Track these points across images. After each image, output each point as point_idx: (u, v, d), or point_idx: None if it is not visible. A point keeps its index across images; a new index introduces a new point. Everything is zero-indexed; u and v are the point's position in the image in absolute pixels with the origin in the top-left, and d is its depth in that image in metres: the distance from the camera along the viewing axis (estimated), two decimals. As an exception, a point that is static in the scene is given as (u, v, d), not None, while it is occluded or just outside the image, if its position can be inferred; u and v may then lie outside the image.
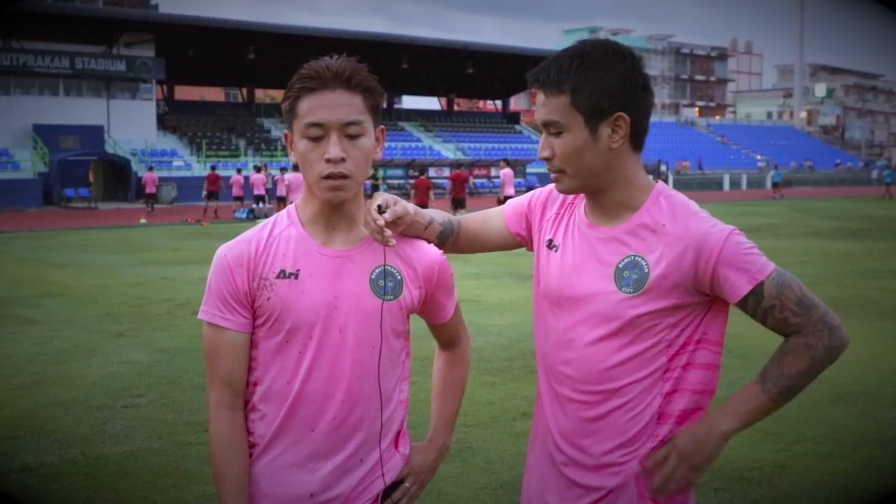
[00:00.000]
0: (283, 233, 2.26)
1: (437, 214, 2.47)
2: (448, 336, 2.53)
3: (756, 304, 2.13)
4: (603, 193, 2.23)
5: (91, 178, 43.68)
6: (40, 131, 44.85)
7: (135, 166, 45.20)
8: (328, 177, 2.15)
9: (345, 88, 2.16)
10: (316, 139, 2.16)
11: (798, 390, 2.16)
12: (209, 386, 2.28)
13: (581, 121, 2.15)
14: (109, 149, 46.73)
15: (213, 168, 38.10)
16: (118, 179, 45.99)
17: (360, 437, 2.27)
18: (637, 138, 2.22)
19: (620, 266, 2.19)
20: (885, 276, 15.24)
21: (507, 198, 30.52)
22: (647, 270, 2.15)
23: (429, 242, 2.39)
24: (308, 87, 2.16)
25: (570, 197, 2.39)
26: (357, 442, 2.26)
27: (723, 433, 2.15)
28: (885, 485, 5.46)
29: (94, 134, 46.42)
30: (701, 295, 2.16)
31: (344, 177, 2.16)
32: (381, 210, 2.23)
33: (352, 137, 2.17)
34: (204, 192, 35.14)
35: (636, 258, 2.18)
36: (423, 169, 37.35)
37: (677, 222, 2.17)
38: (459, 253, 2.56)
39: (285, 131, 2.28)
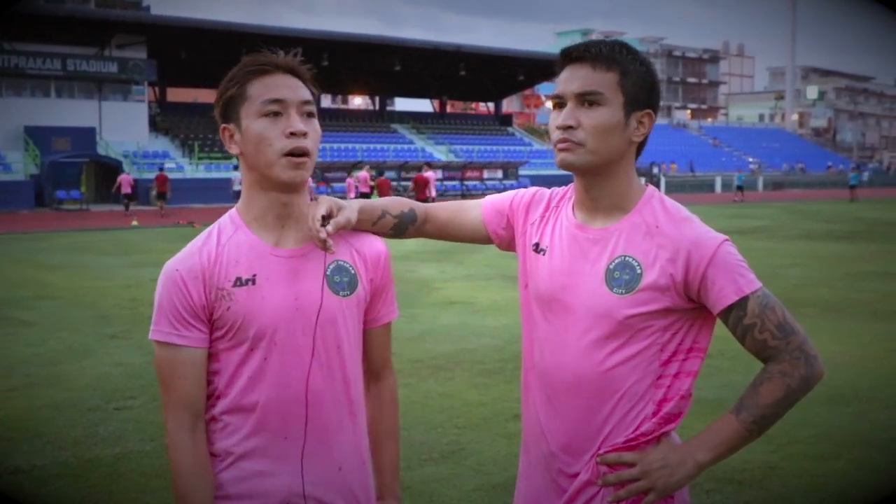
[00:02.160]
0: (231, 239, 2.21)
1: (392, 206, 2.43)
2: (377, 355, 2.42)
3: (738, 319, 2.11)
4: (601, 185, 2.22)
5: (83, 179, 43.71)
6: (32, 133, 44.70)
7: (127, 168, 45.04)
8: (291, 153, 2.13)
9: (293, 76, 2.19)
10: (276, 118, 2.15)
11: (773, 420, 2.15)
12: (165, 411, 2.19)
13: (621, 102, 2.16)
14: (101, 150, 46.58)
15: (161, 169, 39.39)
16: (110, 181, 45.85)
17: (335, 443, 2.24)
18: (643, 143, 2.25)
19: (611, 267, 2.18)
20: (877, 278, 15.29)
21: (430, 199, 31.09)
22: (639, 272, 2.15)
23: (383, 235, 2.39)
24: (259, 71, 2.17)
25: (556, 199, 2.39)
26: (331, 448, 2.23)
27: (696, 464, 2.14)
28: (878, 486, 5.47)
29: (86, 136, 46.25)
30: (690, 301, 2.15)
31: (306, 154, 2.15)
32: (325, 221, 2.20)
33: (309, 116, 2.19)
34: (154, 192, 35.76)
35: (627, 259, 2.17)
36: (381, 170, 38.99)
37: (671, 225, 2.17)
38: (426, 237, 2.53)
39: (223, 125, 2.23)
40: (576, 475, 2.24)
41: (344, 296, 2.24)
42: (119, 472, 5.74)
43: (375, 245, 2.35)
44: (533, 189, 2.47)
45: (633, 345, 2.16)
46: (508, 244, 2.47)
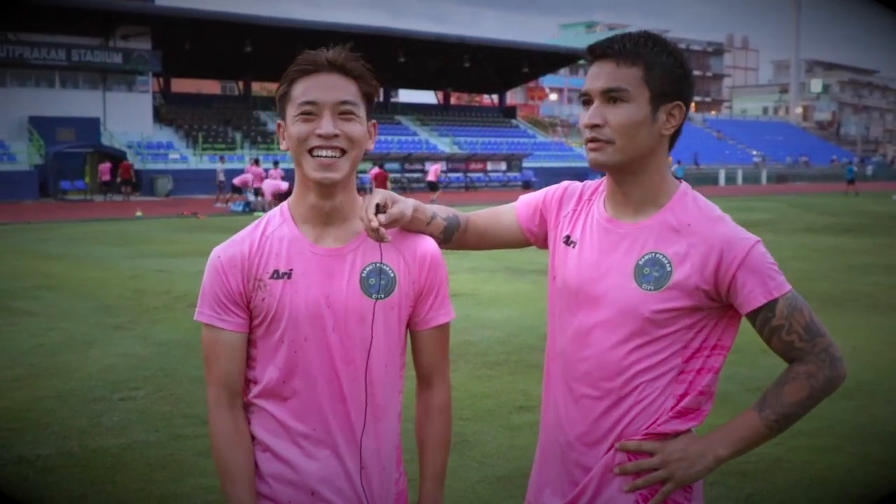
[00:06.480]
0: (275, 232, 2.26)
1: (440, 210, 2.45)
2: (426, 360, 2.40)
3: (766, 320, 2.12)
4: (633, 180, 2.21)
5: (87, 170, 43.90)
6: (36, 123, 44.71)
7: (131, 159, 45.07)
8: (319, 153, 2.15)
9: (340, 73, 2.19)
10: (309, 118, 2.16)
11: (795, 419, 2.16)
12: (208, 385, 2.28)
13: (647, 97, 2.15)
14: (105, 141, 46.58)
15: (125, 158, 41.61)
16: (114, 172, 45.92)
17: (360, 440, 2.26)
18: (677, 135, 2.24)
19: (641, 263, 2.18)
20: (879, 271, 15.29)
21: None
22: (669, 269, 2.14)
23: (434, 237, 2.38)
24: (304, 70, 2.18)
25: (588, 192, 2.38)
26: (357, 444, 2.25)
27: (716, 458, 2.15)
28: (880, 479, 5.48)
29: (91, 126, 46.29)
30: (718, 300, 2.15)
31: (334, 155, 2.16)
32: (378, 210, 2.22)
33: (345, 117, 2.18)
34: (118, 180, 38.22)
35: (658, 255, 2.16)
36: (380, 162, 39.74)
37: (704, 224, 2.17)
38: (467, 249, 2.55)
39: (279, 122, 2.27)
40: (590, 467, 2.24)
41: (377, 298, 2.24)
42: (123, 462, 5.76)
43: (423, 245, 2.33)
44: (566, 183, 2.47)
45: (658, 341, 2.16)
46: (543, 241, 2.47)
